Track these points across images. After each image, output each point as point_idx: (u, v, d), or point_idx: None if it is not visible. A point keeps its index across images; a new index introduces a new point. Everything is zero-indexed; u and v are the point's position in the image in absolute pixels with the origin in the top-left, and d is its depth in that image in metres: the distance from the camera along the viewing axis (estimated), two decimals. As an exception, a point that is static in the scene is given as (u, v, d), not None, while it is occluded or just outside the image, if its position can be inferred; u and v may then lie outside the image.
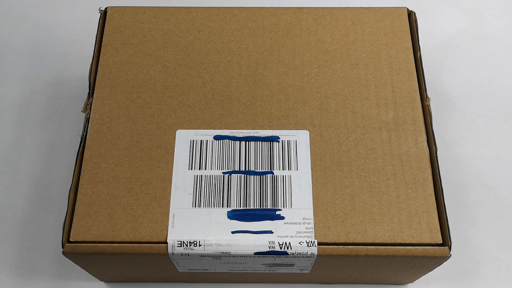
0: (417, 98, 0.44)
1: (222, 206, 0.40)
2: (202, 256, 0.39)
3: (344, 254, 0.38)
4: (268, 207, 0.40)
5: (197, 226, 0.39)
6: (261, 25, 0.48)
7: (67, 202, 0.46)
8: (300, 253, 0.38)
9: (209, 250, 0.38)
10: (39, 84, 0.62)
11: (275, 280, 0.49)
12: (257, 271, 0.44)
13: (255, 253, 0.38)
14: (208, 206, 0.40)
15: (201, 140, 0.42)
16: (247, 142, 0.42)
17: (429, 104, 0.44)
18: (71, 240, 0.39)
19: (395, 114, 0.43)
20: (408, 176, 0.41)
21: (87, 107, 0.44)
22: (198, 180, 0.41)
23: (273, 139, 0.42)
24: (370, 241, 0.39)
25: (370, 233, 0.39)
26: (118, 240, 0.39)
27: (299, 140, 0.42)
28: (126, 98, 0.44)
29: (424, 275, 0.45)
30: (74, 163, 0.46)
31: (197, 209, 0.40)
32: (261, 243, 0.38)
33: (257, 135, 0.43)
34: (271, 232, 0.39)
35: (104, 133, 0.43)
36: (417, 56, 0.46)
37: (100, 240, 0.39)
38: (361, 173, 0.41)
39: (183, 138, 0.42)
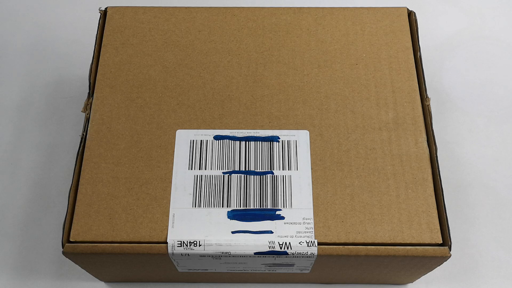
0: (417, 98, 0.44)
1: (222, 206, 0.40)
2: (202, 256, 0.39)
3: (344, 254, 0.38)
4: (268, 207, 0.40)
5: (197, 226, 0.39)
6: (261, 25, 0.48)
7: (67, 202, 0.46)
8: (300, 253, 0.38)
9: (209, 250, 0.38)
10: (39, 84, 0.62)
11: (275, 280, 0.49)
12: (257, 271, 0.44)
13: (255, 253, 0.38)
14: (208, 206, 0.40)
15: (201, 140, 0.42)
16: (247, 142, 0.42)
17: (429, 104, 0.44)
18: (71, 240, 0.39)
19: (395, 114, 0.43)
20: (408, 176, 0.41)
21: (87, 107, 0.44)
22: (198, 180, 0.41)
23: (273, 139, 0.42)
24: (370, 241, 0.39)
25: (370, 233, 0.39)
26: (118, 240, 0.39)
27: (299, 140, 0.42)
28: (126, 98, 0.44)
29: (424, 275, 0.45)
30: (74, 163, 0.46)
31: (197, 209, 0.40)
32: (261, 243, 0.38)
33: (257, 135, 0.43)
34: (271, 232, 0.39)
35: (104, 133, 0.43)
36: (417, 56, 0.46)
37: (100, 240, 0.39)
38: (361, 173, 0.41)
39: (183, 138, 0.42)
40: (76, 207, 0.40)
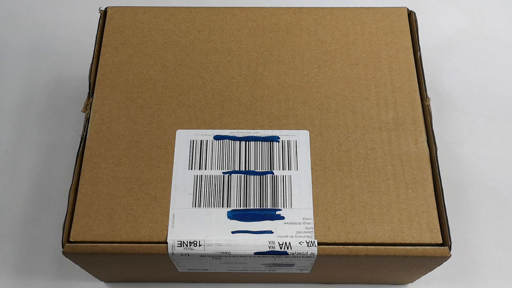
0: (417, 98, 0.44)
1: (222, 206, 0.40)
2: (202, 256, 0.39)
3: (344, 254, 0.38)
4: (268, 207, 0.40)
5: (197, 226, 0.39)
6: (261, 25, 0.48)
7: (67, 202, 0.46)
8: (300, 253, 0.38)
9: (209, 250, 0.38)
10: (39, 84, 0.62)
11: (275, 280, 0.49)
12: (257, 271, 0.44)
13: (255, 253, 0.38)
14: (208, 206, 0.40)
15: (201, 140, 0.42)
16: (247, 142, 0.42)
17: (429, 104, 0.44)
18: (71, 240, 0.39)
19: (395, 114, 0.43)
20: (408, 176, 0.41)
21: (87, 107, 0.44)
22: (198, 180, 0.41)
23: (273, 139, 0.42)
24: (370, 241, 0.39)
25: (370, 233, 0.39)
26: (118, 240, 0.39)
27: (299, 140, 0.42)
28: (126, 98, 0.44)
29: (424, 275, 0.45)
30: (74, 163, 0.46)
31: (197, 209, 0.40)
32: (261, 243, 0.38)
33: (257, 135, 0.43)
34: (271, 232, 0.39)
35: (104, 133, 0.43)
36: (417, 56, 0.46)
37: (100, 240, 0.39)
38: (361, 173, 0.41)
39: (183, 138, 0.42)
40: (76, 207, 0.40)
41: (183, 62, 0.46)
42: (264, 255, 0.39)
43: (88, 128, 0.43)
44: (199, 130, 0.43)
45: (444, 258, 0.39)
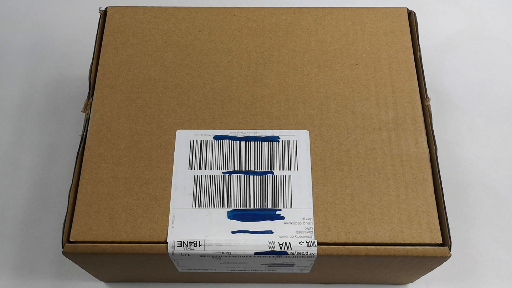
0: (417, 98, 0.44)
1: (222, 206, 0.40)
2: (202, 256, 0.39)
3: (344, 254, 0.38)
4: (268, 207, 0.40)
5: (197, 226, 0.39)
6: (261, 25, 0.48)
7: (67, 202, 0.46)
8: (300, 253, 0.38)
9: (209, 250, 0.38)
10: (39, 84, 0.62)
11: (275, 280, 0.49)
12: (257, 271, 0.44)
13: (255, 253, 0.38)
14: (208, 206, 0.40)
15: (201, 140, 0.42)
16: (247, 142, 0.42)
17: (429, 104, 0.44)
18: (71, 240, 0.39)
19: (395, 114, 0.44)
20: (408, 176, 0.41)
21: (87, 107, 0.44)
22: (198, 180, 0.41)
23: (273, 139, 0.42)
24: (370, 241, 0.39)
25: (370, 233, 0.39)
26: (118, 240, 0.39)
27: (299, 140, 0.42)
28: (126, 98, 0.44)
29: (424, 275, 0.45)
30: (74, 163, 0.46)
31: (197, 209, 0.40)
32: (261, 243, 0.38)
33: (257, 135, 0.43)
34: (271, 232, 0.39)
35: (104, 133, 0.43)
36: (417, 56, 0.46)
37: (100, 240, 0.39)
38: (361, 173, 0.41)
39: (183, 138, 0.42)
40: (76, 207, 0.40)
41: (183, 62, 0.46)
42: (264, 255, 0.39)
43: (88, 128, 0.43)
44: (199, 130, 0.43)
45: (444, 258, 0.39)
